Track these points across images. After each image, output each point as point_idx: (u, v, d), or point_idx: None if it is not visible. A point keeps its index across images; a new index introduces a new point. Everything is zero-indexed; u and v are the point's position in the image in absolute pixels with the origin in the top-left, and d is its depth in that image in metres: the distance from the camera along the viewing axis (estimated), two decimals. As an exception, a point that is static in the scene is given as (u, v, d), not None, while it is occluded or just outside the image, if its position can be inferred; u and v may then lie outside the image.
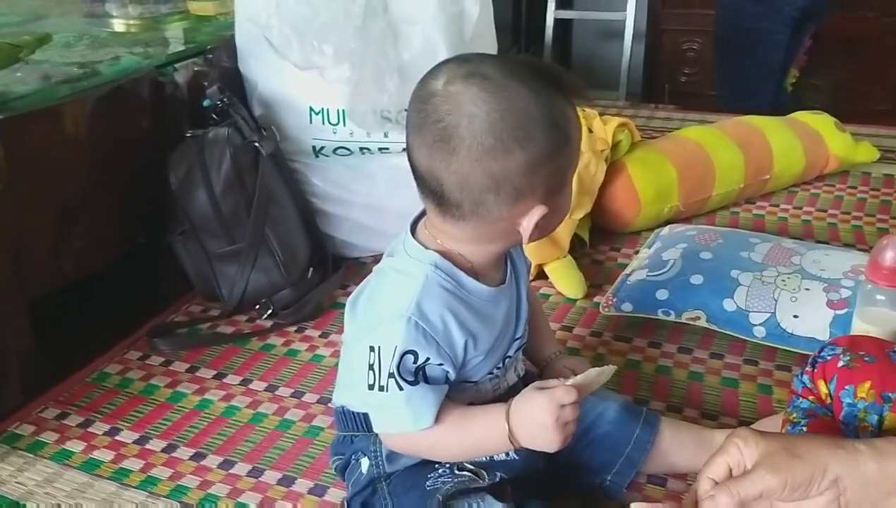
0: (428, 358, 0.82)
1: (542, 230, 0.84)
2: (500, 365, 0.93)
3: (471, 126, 0.76)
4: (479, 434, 0.85)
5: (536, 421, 0.81)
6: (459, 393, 0.89)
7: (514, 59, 0.82)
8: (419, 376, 0.83)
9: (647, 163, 1.68)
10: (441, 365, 0.84)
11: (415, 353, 0.82)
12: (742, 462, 0.72)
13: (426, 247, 0.86)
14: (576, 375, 0.94)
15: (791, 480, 0.69)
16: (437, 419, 0.83)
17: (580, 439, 0.99)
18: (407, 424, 0.83)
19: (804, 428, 0.94)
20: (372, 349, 0.83)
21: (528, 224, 0.82)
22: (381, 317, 0.84)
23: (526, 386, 0.86)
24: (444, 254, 0.85)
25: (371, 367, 0.83)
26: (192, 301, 1.52)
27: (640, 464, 1.00)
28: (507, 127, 0.76)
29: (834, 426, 0.94)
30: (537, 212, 0.81)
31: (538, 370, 1.06)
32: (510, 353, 0.94)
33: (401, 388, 0.82)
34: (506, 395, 0.93)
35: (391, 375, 0.81)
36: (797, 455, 0.70)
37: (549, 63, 0.85)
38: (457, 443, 0.86)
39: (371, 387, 0.83)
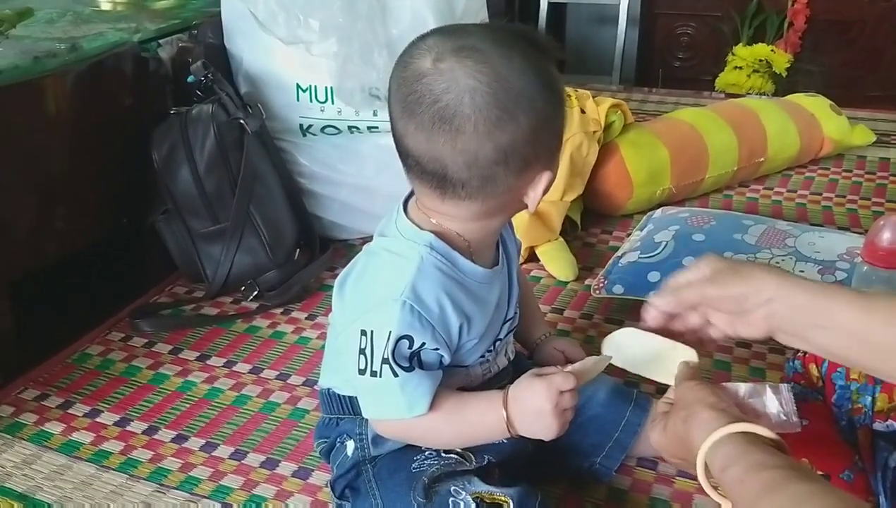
0: (423, 343, 0.80)
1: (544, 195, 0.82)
2: (492, 348, 0.90)
3: (473, 101, 0.73)
4: (475, 421, 0.82)
5: (535, 407, 0.79)
6: (450, 377, 0.86)
7: (493, 26, 0.79)
8: (414, 362, 0.80)
9: (639, 145, 1.66)
10: (436, 349, 0.81)
11: (410, 338, 0.79)
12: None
13: (420, 228, 0.82)
14: (567, 357, 0.92)
15: (727, 291, 0.78)
16: (432, 405, 0.81)
17: (571, 421, 0.97)
18: (401, 411, 0.81)
19: None
20: (364, 333, 0.80)
21: (535, 192, 0.80)
22: (374, 300, 0.81)
23: (516, 370, 0.84)
24: (440, 235, 0.82)
25: (362, 351, 0.80)
26: (175, 282, 1.49)
27: (629, 448, 0.98)
28: (510, 95, 0.73)
29: (826, 409, 0.93)
30: (544, 179, 0.79)
31: (528, 352, 1.04)
32: (501, 336, 0.92)
33: (395, 374, 0.79)
34: (496, 379, 0.91)
35: (385, 361, 0.78)
36: (738, 272, 0.78)
37: (524, 27, 0.81)
38: (451, 430, 0.83)
39: (362, 372, 0.80)
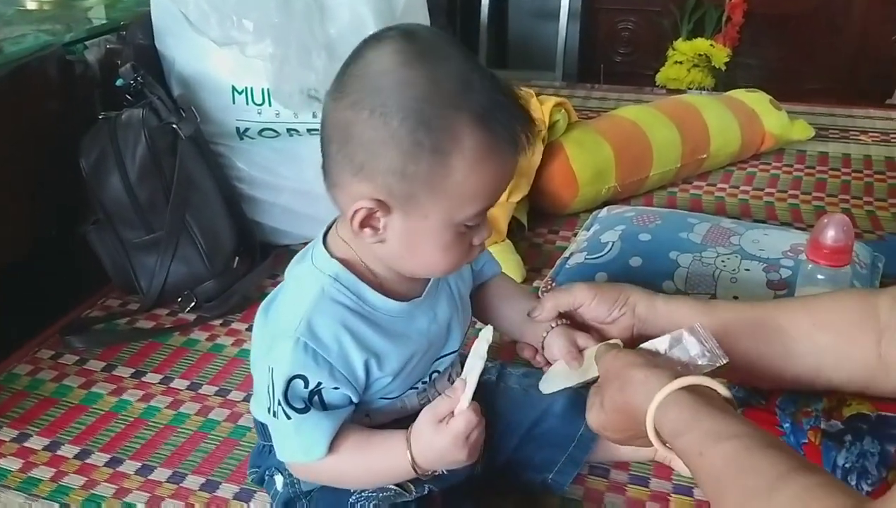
0: (319, 383, 0.75)
1: (377, 237, 0.72)
2: (427, 379, 0.85)
3: (354, 66, 0.69)
4: (378, 465, 0.78)
5: (445, 459, 0.75)
6: (381, 409, 0.82)
7: (454, 44, 0.72)
8: (313, 402, 0.75)
9: (583, 144, 1.65)
10: (337, 388, 0.76)
11: (304, 378, 0.74)
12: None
13: (331, 256, 0.77)
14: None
15: (599, 294, 0.90)
16: (333, 447, 0.76)
17: (525, 434, 0.94)
18: (298, 454, 0.77)
19: None
20: (269, 369, 0.75)
21: (350, 209, 0.71)
22: (275, 334, 0.76)
23: None
24: (348, 264, 0.77)
25: (267, 391, 0.75)
26: (108, 295, 1.43)
27: (582, 463, 0.96)
28: (377, 86, 0.68)
29: (767, 413, 0.92)
30: (360, 203, 0.70)
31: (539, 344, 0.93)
32: (440, 369, 0.86)
33: (289, 417, 0.74)
34: None
35: (279, 402, 0.74)
36: (612, 285, 0.92)
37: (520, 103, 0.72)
38: (360, 472, 0.79)
39: (268, 411, 0.76)
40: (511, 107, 0.70)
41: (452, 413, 0.74)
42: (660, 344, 0.80)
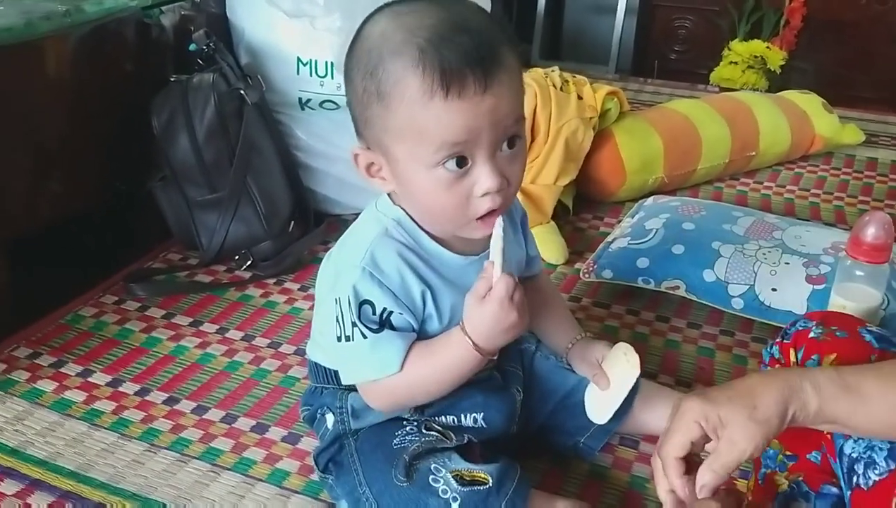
0: (385, 308, 0.81)
1: (386, 186, 0.81)
2: None
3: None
4: (446, 361, 0.83)
5: (497, 326, 0.79)
6: None
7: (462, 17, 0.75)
8: (385, 325, 0.82)
9: (634, 133, 1.68)
10: (402, 314, 0.82)
11: (371, 304, 0.81)
12: (703, 436, 0.71)
13: (394, 204, 0.85)
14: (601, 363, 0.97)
15: (759, 440, 0.70)
16: (402, 363, 0.82)
17: (559, 402, 0.99)
18: (373, 371, 0.82)
19: None
20: (337, 301, 0.82)
21: (365, 169, 0.81)
22: (341, 269, 0.84)
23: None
24: (409, 213, 0.84)
25: (337, 320, 0.82)
26: (170, 248, 1.50)
27: (613, 430, 1.00)
28: (356, 40, 0.77)
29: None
30: (354, 150, 0.80)
31: (561, 358, 1.02)
32: None
33: (365, 336, 0.81)
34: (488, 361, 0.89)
35: (354, 324, 0.81)
36: (757, 420, 0.70)
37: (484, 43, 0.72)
38: (430, 376, 0.84)
39: (339, 339, 0.82)
40: (464, 55, 0.71)
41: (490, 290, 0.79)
42: None
